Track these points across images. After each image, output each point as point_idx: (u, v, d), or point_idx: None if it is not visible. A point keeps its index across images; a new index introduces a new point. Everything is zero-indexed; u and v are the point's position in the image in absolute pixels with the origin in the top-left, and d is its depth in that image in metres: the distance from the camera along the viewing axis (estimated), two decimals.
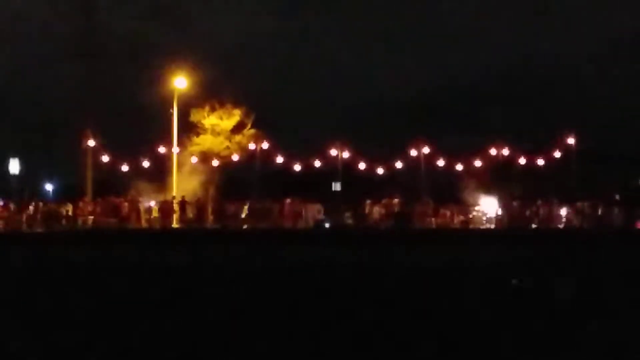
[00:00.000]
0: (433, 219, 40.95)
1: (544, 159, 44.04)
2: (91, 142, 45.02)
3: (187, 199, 42.72)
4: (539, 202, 41.04)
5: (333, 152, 44.67)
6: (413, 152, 44.21)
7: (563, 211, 41.10)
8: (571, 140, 43.55)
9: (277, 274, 21.24)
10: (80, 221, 40.99)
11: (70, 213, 41.16)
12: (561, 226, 40.13)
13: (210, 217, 42.00)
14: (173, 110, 45.42)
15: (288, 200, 41.34)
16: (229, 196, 43.77)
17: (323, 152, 45.16)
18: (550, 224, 40.23)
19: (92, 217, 41.23)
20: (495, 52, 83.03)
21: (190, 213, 41.91)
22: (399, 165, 45.07)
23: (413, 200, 41.80)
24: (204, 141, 46.92)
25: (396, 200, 41.13)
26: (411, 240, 34.34)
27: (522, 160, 44.03)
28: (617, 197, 43.24)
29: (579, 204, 40.63)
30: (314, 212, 41.00)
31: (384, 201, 41.22)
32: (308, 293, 16.70)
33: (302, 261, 25.96)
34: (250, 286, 18.28)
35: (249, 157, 46.65)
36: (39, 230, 39.07)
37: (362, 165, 45.20)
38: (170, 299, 15.81)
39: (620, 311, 13.76)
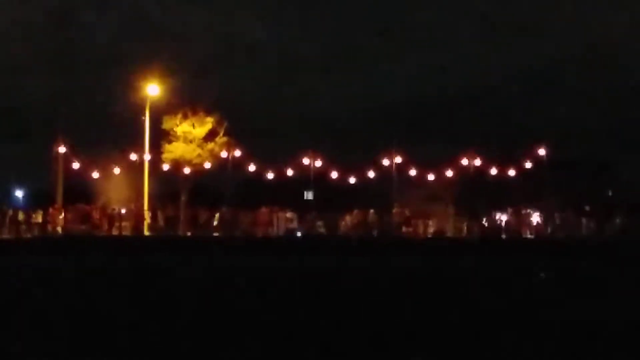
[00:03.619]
0: (405, 228, 41.13)
1: (514, 169, 44.31)
2: (62, 149, 44.67)
3: (157, 206, 42.53)
4: (510, 210, 41.35)
5: (305, 161, 44.69)
6: (385, 162, 44.33)
7: (534, 219, 41.50)
8: (542, 151, 43.85)
9: (250, 282, 21.18)
10: (50, 228, 40.69)
11: (40, 220, 40.89)
12: (532, 236, 40.43)
13: (182, 225, 41.87)
14: (145, 117, 45.19)
15: (263, 209, 41.32)
16: (201, 204, 43.66)
17: (295, 160, 45.18)
18: (520, 233, 40.57)
19: (62, 224, 40.96)
20: (467, 62, 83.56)
21: (161, 221, 41.76)
22: (371, 174, 45.16)
23: (385, 210, 42.00)
24: (175, 148, 46.77)
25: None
26: (385, 248, 34.52)
27: (494, 171, 44.28)
28: (587, 207, 43.64)
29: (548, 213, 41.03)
30: (285, 220, 41.00)
31: (355, 212, 41.39)
32: (281, 301, 16.67)
33: (275, 269, 25.94)
34: (223, 294, 18.22)
35: (221, 165, 46.59)
36: (7, 236, 38.74)
37: (334, 174, 45.25)
38: (142, 307, 15.71)
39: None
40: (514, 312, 14.88)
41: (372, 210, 41.22)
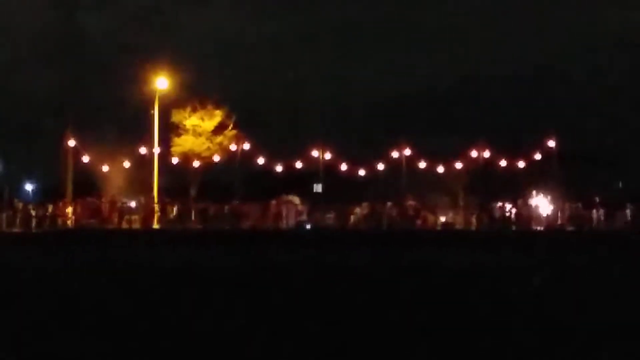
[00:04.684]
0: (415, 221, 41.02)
1: (524, 161, 44.18)
2: (72, 143, 44.73)
3: (167, 199, 42.57)
4: (520, 201, 41.20)
5: (315, 153, 44.67)
6: (394, 154, 44.26)
7: (544, 210, 41.37)
8: (552, 143, 43.71)
9: (263, 275, 21.21)
10: (60, 222, 40.74)
11: (50, 214, 40.95)
12: (542, 228, 40.24)
13: (192, 218, 41.83)
14: (154, 110, 45.18)
15: (273, 202, 41.32)
16: (210, 197, 43.66)
17: (304, 153, 45.17)
18: (530, 225, 40.37)
19: (72, 217, 41.00)
20: (478, 53, 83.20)
21: (171, 214, 41.78)
22: (380, 167, 45.12)
23: (395, 202, 41.88)
24: (185, 142, 46.85)
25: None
26: (395, 240, 34.43)
27: (503, 163, 44.16)
28: (597, 199, 43.44)
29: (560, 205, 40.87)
30: (295, 212, 40.90)
31: (365, 204, 41.24)
32: (294, 293, 16.68)
33: (287, 261, 25.92)
34: (236, 287, 18.24)
35: (230, 158, 46.62)
36: (18, 230, 38.82)
37: (343, 167, 45.22)
38: (155, 300, 15.73)
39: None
40: (524, 307, 14.84)
41: (389, 203, 41.08)
